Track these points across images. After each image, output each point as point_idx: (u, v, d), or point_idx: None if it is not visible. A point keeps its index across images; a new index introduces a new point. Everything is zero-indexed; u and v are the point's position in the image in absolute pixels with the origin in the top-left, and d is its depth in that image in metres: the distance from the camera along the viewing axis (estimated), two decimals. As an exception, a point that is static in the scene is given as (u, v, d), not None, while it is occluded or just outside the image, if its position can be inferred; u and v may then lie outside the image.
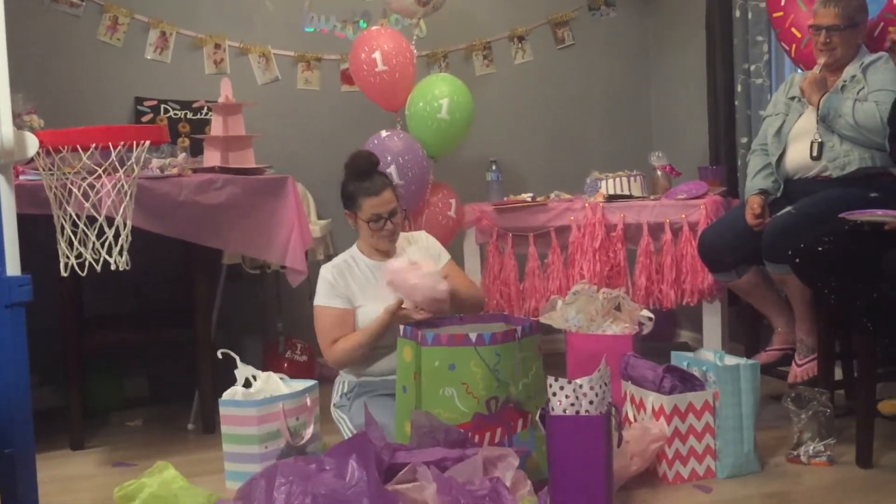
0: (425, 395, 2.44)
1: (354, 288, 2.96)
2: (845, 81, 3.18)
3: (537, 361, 2.57)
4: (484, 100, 4.34)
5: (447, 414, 2.40)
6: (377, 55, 3.88)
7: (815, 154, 3.20)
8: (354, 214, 3.01)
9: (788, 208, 3.15)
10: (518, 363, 2.47)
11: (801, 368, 3.24)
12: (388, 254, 3.03)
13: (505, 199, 4.07)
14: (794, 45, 3.53)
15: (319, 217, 4.11)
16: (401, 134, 3.93)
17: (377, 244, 3.01)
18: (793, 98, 3.37)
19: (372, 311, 2.92)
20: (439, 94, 3.92)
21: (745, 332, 3.70)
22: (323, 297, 2.96)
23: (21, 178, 2.94)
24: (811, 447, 2.80)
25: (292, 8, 4.32)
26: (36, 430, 2.34)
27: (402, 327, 2.56)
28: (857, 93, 3.12)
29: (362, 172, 3.02)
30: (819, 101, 3.16)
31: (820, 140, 3.19)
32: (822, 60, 3.24)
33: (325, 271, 3.00)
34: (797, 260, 2.88)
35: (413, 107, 3.96)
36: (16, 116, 2.70)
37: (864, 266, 2.74)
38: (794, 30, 3.50)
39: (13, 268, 2.26)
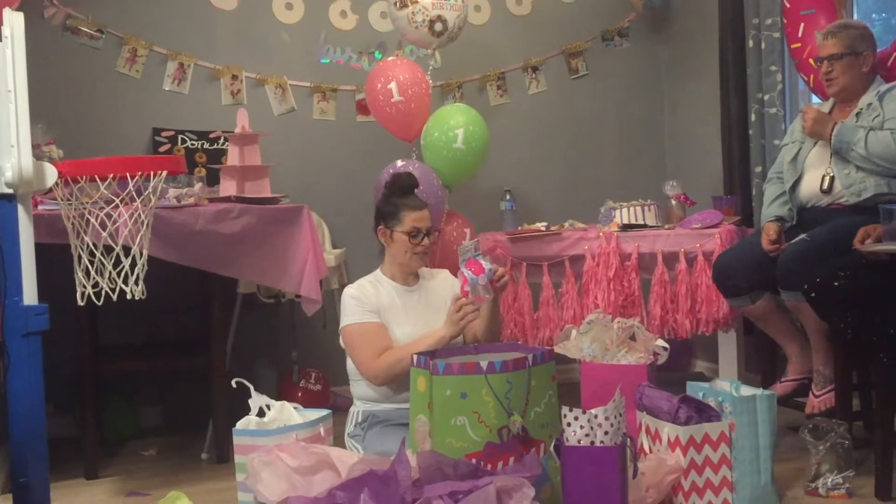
0: (437, 425, 2.42)
1: (380, 306, 2.96)
2: (861, 109, 3.18)
3: (551, 390, 2.55)
4: (498, 130, 4.36)
5: (459, 443, 2.39)
6: (393, 86, 3.91)
7: (825, 188, 3.20)
8: (390, 231, 2.99)
9: (803, 235, 3.15)
10: (530, 392, 2.46)
11: (819, 399, 3.21)
12: (415, 276, 3.04)
13: (519, 228, 4.08)
14: (811, 76, 3.54)
15: (334, 246, 4.12)
16: (416, 163, 3.95)
17: (409, 262, 3.00)
18: (809, 126, 3.37)
19: (396, 334, 2.92)
20: (455, 124, 3.94)
21: (762, 361, 3.67)
22: (354, 316, 2.93)
23: (40, 207, 2.98)
24: (829, 479, 2.76)
25: (308, 39, 4.37)
26: (50, 460, 2.35)
27: (414, 357, 2.55)
28: (873, 120, 3.12)
29: (407, 188, 3.06)
30: (830, 134, 3.16)
31: (832, 174, 3.18)
32: (828, 91, 3.26)
33: (351, 290, 2.98)
34: (813, 294, 2.87)
35: (428, 137, 3.98)
36: (35, 147, 2.73)
37: (881, 299, 2.72)
38: (811, 61, 3.51)
39: (30, 297, 2.28)
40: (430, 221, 3.02)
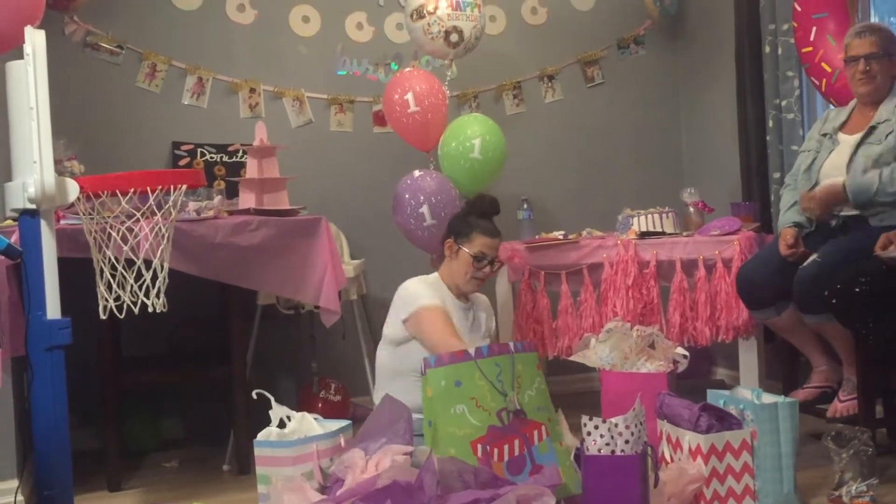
0: (439, 418, 2.43)
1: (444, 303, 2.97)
2: (877, 124, 3.16)
3: (539, 377, 2.57)
4: (514, 139, 4.36)
5: (462, 431, 2.39)
6: (410, 96, 3.93)
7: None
8: (458, 247, 3.00)
9: (814, 256, 3.12)
10: (518, 375, 2.49)
11: (843, 404, 3.19)
12: (466, 297, 3.04)
13: (537, 237, 4.08)
14: (824, 80, 3.52)
15: (352, 257, 4.14)
16: (434, 174, 3.96)
17: (465, 285, 3.01)
18: (825, 135, 3.36)
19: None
20: (472, 133, 3.95)
21: (783, 369, 3.65)
22: (426, 298, 2.89)
23: (62, 222, 3.01)
24: (853, 487, 2.74)
25: (325, 52, 4.40)
26: (74, 472, 2.37)
27: (421, 363, 2.57)
28: (886, 137, 3.10)
29: (488, 213, 3.08)
30: (845, 196, 3.12)
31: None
32: (861, 90, 3.22)
33: (415, 281, 2.97)
34: (834, 300, 2.85)
35: (446, 147, 3.99)
36: (57, 162, 2.76)
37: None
38: (823, 65, 3.50)
39: (53, 311, 2.31)
40: (497, 252, 3.01)
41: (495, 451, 2.38)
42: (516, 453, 2.42)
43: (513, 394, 2.43)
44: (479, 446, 2.36)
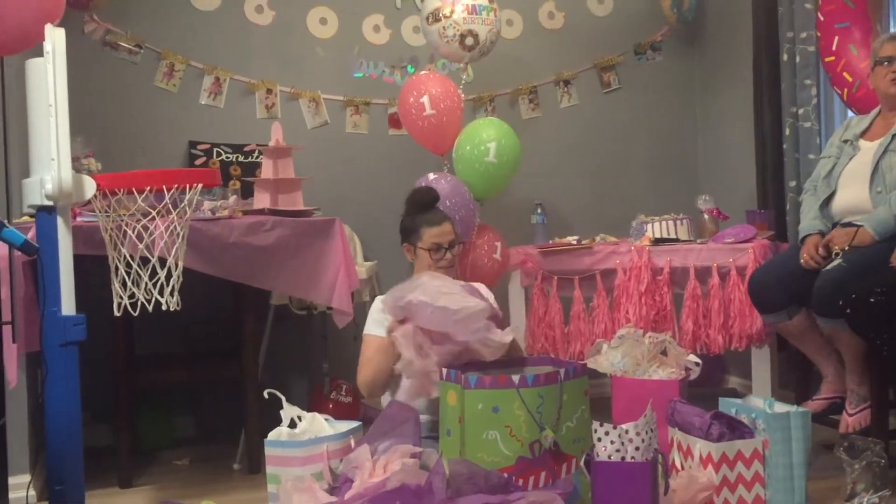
0: (469, 439, 2.43)
1: None
2: None
3: (583, 405, 2.54)
4: (530, 143, 4.36)
5: (490, 458, 2.39)
6: (425, 99, 3.93)
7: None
8: (413, 246, 3.02)
9: (838, 260, 3.09)
10: (562, 406, 2.45)
11: (853, 417, 3.16)
12: None
13: (550, 241, 4.07)
14: (846, 90, 3.50)
15: (366, 259, 4.14)
16: (448, 177, 3.96)
17: None
18: (846, 141, 3.34)
19: None
20: (487, 137, 3.95)
21: (796, 378, 3.62)
22: (369, 326, 2.97)
23: (78, 219, 3.02)
24: (865, 499, 2.72)
25: (342, 54, 4.41)
26: (86, 468, 2.38)
27: (444, 371, 2.56)
28: None
29: (424, 205, 3.07)
30: (869, 232, 3.10)
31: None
32: (893, 90, 3.20)
33: (377, 302, 3.00)
34: (848, 310, 2.83)
35: (460, 150, 4.00)
36: (74, 160, 2.79)
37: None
38: (845, 74, 3.48)
39: (68, 307, 2.32)
40: (452, 234, 3.01)
41: (520, 481, 2.37)
42: (541, 485, 2.41)
43: (549, 431, 2.40)
44: (506, 475, 2.35)
